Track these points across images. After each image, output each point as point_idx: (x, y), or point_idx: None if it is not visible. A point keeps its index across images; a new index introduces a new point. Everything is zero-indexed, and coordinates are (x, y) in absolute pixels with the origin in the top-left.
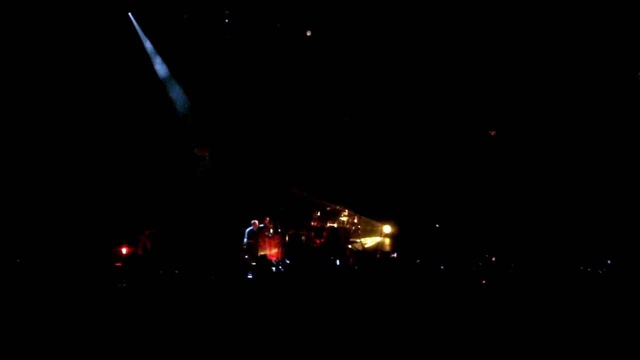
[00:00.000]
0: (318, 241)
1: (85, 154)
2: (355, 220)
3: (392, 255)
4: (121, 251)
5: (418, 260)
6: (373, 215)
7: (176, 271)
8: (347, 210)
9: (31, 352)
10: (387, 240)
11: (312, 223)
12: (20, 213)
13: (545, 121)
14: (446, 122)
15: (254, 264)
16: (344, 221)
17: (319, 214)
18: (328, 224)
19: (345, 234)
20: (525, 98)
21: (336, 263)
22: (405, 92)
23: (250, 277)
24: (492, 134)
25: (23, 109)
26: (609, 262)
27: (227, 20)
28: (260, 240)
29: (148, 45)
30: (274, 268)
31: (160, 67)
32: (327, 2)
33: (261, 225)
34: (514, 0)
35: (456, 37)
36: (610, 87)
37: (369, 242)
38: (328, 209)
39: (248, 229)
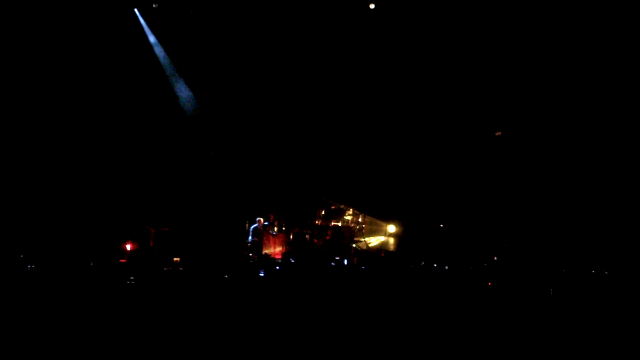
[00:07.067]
0: (322, 240)
1: (93, 152)
2: (360, 220)
3: (396, 256)
4: (125, 247)
5: (422, 263)
6: (378, 214)
7: (180, 268)
8: (351, 210)
9: (34, 348)
10: (392, 240)
11: (317, 222)
12: (27, 211)
13: (550, 122)
14: (452, 122)
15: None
16: (348, 220)
17: (323, 212)
18: (332, 223)
19: (350, 233)
20: (531, 98)
21: (344, 263)
22: (410, 92)
23: (262, 274)
24: (498, 134)
25: (30, 105)
26: (605, 272)
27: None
28: (264, 238)
29: (152, 39)
30: (278, 267)
31: (166, 64)
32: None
33: (266, 223)
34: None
35: (461, 37)
36: (614, 88)
37: (373, 241)
38: (333, 207)
39: (253, 227)
